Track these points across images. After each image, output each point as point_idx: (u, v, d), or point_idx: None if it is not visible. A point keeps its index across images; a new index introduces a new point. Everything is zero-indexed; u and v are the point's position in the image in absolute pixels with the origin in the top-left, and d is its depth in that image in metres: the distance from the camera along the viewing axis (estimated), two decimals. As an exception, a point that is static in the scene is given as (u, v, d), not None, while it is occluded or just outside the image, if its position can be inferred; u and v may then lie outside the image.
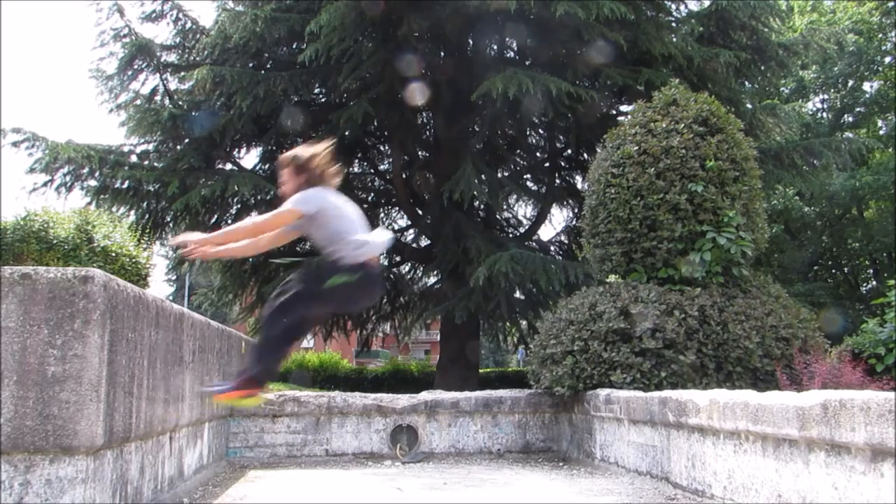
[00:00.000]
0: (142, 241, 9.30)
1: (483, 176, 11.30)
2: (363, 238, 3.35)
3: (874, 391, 3.15)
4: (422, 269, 14.92)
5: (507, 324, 13.67)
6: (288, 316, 3.33)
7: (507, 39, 12.24)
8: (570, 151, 13.50)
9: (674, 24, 11.71)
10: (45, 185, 10.72)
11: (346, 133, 11.31)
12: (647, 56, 10.42)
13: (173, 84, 12.15)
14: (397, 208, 15.25)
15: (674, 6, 12.37)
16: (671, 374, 5.31)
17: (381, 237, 3.42)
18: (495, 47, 12.44)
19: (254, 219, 3.41)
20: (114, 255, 7.77)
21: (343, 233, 3.33)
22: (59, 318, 2.69)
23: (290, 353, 3.36)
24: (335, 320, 14.52)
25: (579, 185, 13.52)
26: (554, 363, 5.82)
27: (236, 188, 10.48)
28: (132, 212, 11.49)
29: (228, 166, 12.37)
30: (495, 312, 10.78)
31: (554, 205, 14.07)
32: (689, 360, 5.29)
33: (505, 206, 14.75)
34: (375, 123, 12.54)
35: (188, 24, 12.25)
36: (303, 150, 3.49)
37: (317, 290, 3.30)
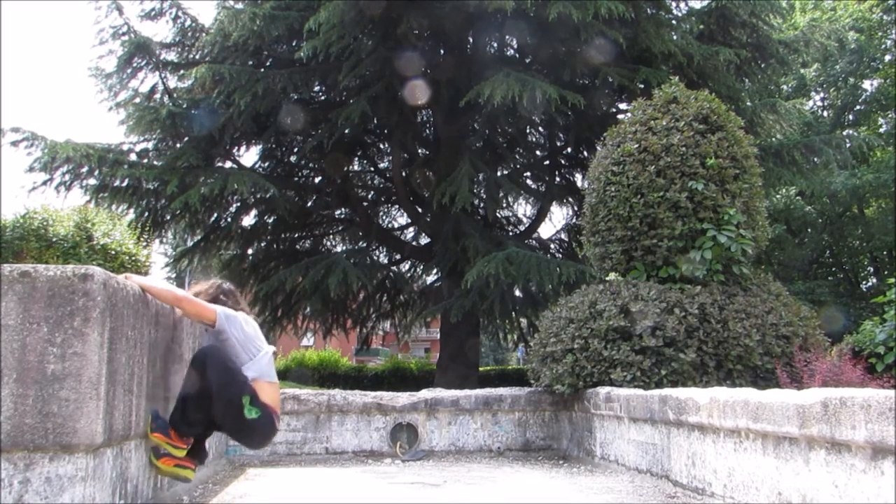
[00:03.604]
0: (141, 239, 9.29)
1: (481, 176, 11.30)
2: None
3: (874, 389, 3.14)
4: (422, 267, 14.93)
5: (506, 322, 13.68)
6: None
7: (507, 38, 12.23)
8: (569, 149, 13.50)
9: (674, 22, 11.70)
10: (44, 183, 10.73)
11: (346, 131, 11.31)
12: (646, 54, 10.41)
13: (172, 82, 12.15)
14: (397, 206, 15.26)
15: (674, 4, 12.36)
16: (671, 372, 5.31)
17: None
18: (495, 45, 12.43)
19: (180, 294, 3.55)
20: (113, 252, 7.77)
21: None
22: (58, 315, 2.69)
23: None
24: (335, 318, 14.54)
25: (579, 183, 13.52)
26: (554, 361, 5.82)
27: (235, 186, 10.47)
28: (131, 210, 11.50)
29: (228, 164, 12.36)
30: (491, 311, 10.79)
31: (554, 203, 14.08)
32: (689, 358, 5.29)
33: (505, 205, 14.75)
34: (375, 121, 12.54)
35: (187, 22, 12.24)
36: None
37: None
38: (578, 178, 13.83)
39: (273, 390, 3.61)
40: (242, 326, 3.57)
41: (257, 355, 3.57)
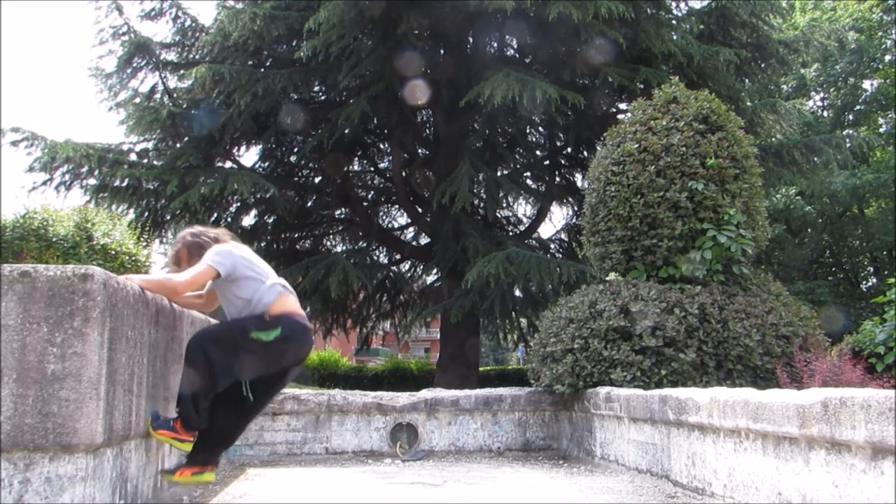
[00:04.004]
0: (141, 239, 9.30)
1: (481, 176, 11.30)
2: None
3: (874, 389, 3.15)
4: (422, 267, 14.93)
5: (506, 322, 13.69)
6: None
7: (507, 37, 12.24)
8: (569, 149, 13.50)
9: (674, 22, 11.70)
10: (44, 183, 10.74)
11: (346, 131, 11.32)
12: (646, 54, 10.42)
13: (172, 82, 12.15)
14: (397, 206, 15.26)
15: (674, 4, 12.37)
16: (671, 372, 5.31)
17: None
18: (495, 45, 12.43)
19: (176, 282, 3.46)
20: (113, 252, 7.78)
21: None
22: (58, 315, 2.69)
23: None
24: (335, 318, 14.54)
25: (579, 183, 13.52)
26: (554, 361, 5.82)
27: (235, 186, 10.47)
28: (131, 210, 11.50)
29: (228, 164, 12.36)
30: (491, 311, 10.79)
31: (554, 203, 14.08)
32: (689, 358, 5.29)
33: (505, 205, 14.75)
34: (375, 121, 12.54)
35: (187, 22, 12.25)
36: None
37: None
38: (578, 178, 13.83)
39: (287, 300, 3.50)
40: (238, 254, 3.49)
41: (266, 280, 3.48)
